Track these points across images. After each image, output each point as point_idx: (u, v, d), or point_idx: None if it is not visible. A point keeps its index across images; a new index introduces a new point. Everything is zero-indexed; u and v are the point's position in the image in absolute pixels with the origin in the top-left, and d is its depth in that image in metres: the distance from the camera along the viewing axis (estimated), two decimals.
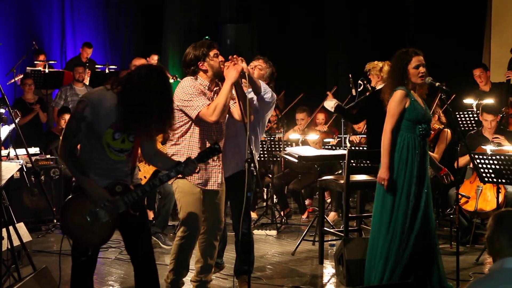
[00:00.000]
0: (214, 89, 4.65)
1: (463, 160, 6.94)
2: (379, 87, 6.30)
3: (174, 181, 4.61)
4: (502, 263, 2.73)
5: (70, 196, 3.79)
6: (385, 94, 4.96)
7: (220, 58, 4.63)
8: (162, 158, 4.04)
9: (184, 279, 4.76)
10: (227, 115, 4.71)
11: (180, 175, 3.93)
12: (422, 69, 4.84)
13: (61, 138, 3.79)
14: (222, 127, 4.69)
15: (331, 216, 8.04)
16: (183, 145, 4.58)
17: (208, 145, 4.47)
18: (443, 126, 7.29)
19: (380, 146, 4.88)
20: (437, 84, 4.94)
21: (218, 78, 4.63)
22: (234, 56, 4.58)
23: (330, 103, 6.42)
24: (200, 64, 4.58)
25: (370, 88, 6.94)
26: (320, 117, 9.06)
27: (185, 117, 4.54)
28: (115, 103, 3.65)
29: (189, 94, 4.49)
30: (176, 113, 4.45)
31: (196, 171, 3.92)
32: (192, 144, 4.57)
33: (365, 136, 7.88)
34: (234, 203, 5.09)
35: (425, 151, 4.89)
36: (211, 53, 4.58)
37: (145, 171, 6.25)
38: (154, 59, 10.80)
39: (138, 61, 6.55)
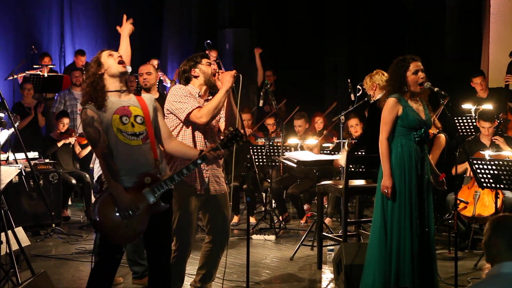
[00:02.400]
0: (205, 98, 4.66)
1: (461, 167, 6.95)
2: (377, 97, 6.28)
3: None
4: (499, 268, 2.74)
5: (102, 193, 3.84)
6: (381, 102, 4.98)
7: (214, 66, 4.69)
8: (186, 148, 4.20)
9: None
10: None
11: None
12: (421, 75, 4.84)
13: (92, 148, 4.00)
14: (213, 130, 4.68)
15: (326, 222, 8.03)
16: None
17: (201, 147, 4.50)
18: (437, 131, 7.30)
19: (369, 151, 4.87)
20: (435, 89, 4.95)
21: (209, 85, 4.66)
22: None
23: (343, 159, 6.28)
24: (192, 71, 4.64)
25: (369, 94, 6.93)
26: (318, 120, 9.07)
27: (177, 120, 4.57)
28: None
29: (179, 96, 4.53)
30: (168, 117, 4.54)
31: (221, 157, 4.04)
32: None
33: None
34: None
35: (423, 156, 4.89)
36: (204, 61, 4.67)
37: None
38: (153, 63, 10.81)
39: (145, 67, 6.48)
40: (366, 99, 6.93)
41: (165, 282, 4.05)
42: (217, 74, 4.62)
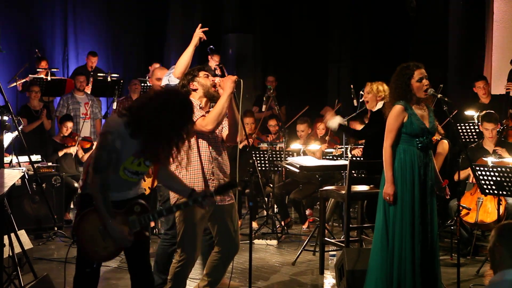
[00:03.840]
0: (207, 109, 4.64)
1: (463, 173, 6.96)
2: (378, 107, 6.30)
3: (176, 202, 4.53)
4: (503, 275, 2.74)
5: (88, 209, 3.73)
6: (386, 110, 4.99)
7: (212, 79, 4.68)
8: (176, 182, 4.05)
9: None
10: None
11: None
12: (425, 82, 4.85)
13: (91, 171, 3.70)
14: (217, 140, 4.66)
15: None
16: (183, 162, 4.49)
17: (207, 157, 4.53)
18: (440, 137, 7.30)
19: (375, 157, 4.87)
20: (439, 95, 4.96)
21: (209, 97, 4.65)
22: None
23: (333, 123, 6.35)
24: (191, 85, 4.64)
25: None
26: (321, 126, 9.08)
27: None
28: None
29: None
30: None
31: (214, 203, 4.00)
32: (191, 159, 4.53)
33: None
34: None
35: (427, 162, 4.89)
36: (201, 73, 4.66)
37: (149, 182, 6.22)
38: (155, 67, 10.82)
39: (160, 72, 6.37)
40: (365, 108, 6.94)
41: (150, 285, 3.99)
42: (217, 83, 4.63)
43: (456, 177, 6.93)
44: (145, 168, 3.80)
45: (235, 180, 4.06)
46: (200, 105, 4.62)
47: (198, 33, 5.41)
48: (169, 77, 5.31)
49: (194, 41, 5.38)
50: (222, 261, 4.67)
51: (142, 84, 10.08)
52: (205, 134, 4.53)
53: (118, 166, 3.69)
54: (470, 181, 6.91)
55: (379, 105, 6.25)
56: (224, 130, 4.70)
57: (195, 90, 4.64)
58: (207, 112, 4.61)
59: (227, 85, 4.48)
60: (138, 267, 3.93)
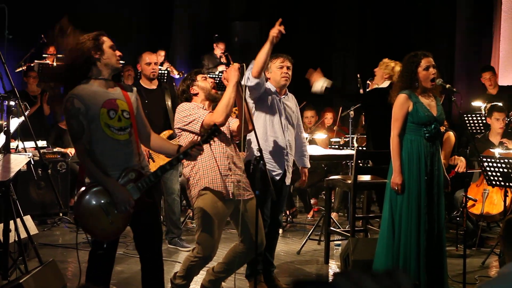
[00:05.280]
0: (210, 110, 4.60)
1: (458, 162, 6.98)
2: (382, 85, 6.23)
3: (197, 199, 4.52)
4: (510, 267, 2.73)
5: (83, 188, 3.74)
6: (392, 98, 4.97)
7: (210, 80, 4.67)
8: (158, 140, 4.07)
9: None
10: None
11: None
12: (432, 70, 4.83)
13: (72, 143, 3.79)
14: (226, 136, 4.62)
15: (333, 216, 8.02)
16: (199, 164, 4.49)
17: (221, 154, 4.50)
18: (445, 129, 7.28)
19: (378, 147, 4.86)
20: (447, 86, 4.93)
21: (211, 99, 4.64)
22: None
23: (318, 85, 6.24)
24: (191, 89, 4.63)
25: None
26: (329, 116, 9.05)
27: (191, 135, 4.47)
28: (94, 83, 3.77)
29: (188, 110, 4.49)
30: (181, 135, 4.52)
31: (202, 152, 3.95)
32: (206, 157, 4.48)
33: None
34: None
35: (434, 152, 4.87)
36: (199, 77, 4.65)
37: (158, 163, 6.22)
38: (161, 54, 10.80)
39: (148, 56, 6.51)
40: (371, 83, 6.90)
41: (159, 275, 3.99)
42: (222, 76, 4.61)
43: (460, 169, 6.92)
44: (126, 122, 3.78)
45: (216, 125, 4.04)
46: (204, 107, 4.61)
47: (276, 31, 4.81)
48: (249, 76, 4.94)
49: (270, 38, 4.81)
50: (245, 256, 4.63)
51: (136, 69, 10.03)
52: None
53: (95, 124, 3.68)
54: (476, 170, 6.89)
55: (385, 83, 6.19)
56: (233, 122, 4.68)
57: (196, 94, 4.64)
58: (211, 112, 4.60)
59: (231, 74, 4.46)
60: (147, 249, 3.93)
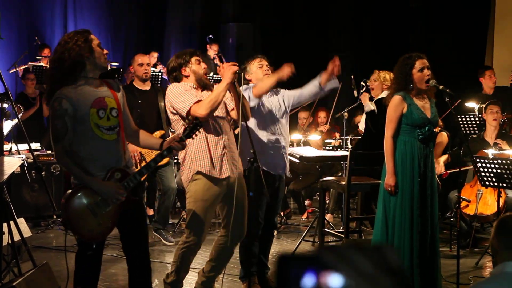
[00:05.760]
0: (201, 90, 4.57)
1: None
2: (382, 95, 6.29)
3: (188, 185, 4.52)
4: (503, 267, 2.74)
5: (70, 190, 3.73)
6: (387, 100, 4.97)
7: (203, 65, 4.60)
8: (142, 135, 4.05)
9: (185, 279, 4.74)
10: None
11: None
12: (426, 72, 4.83)
13: (53, 146, 3.75)
14: (225, 123, 4.60)
15: (327, 218, 8.04)
16: (191, 148, 4.48)
17: (212, 141, 4.47)
18: (439, 129, 7.29)
19: (370, 149, 4.87)
20: (441, 87, 4.94)
21: (201, 85, 4.57)
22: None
23: (370, 106, 6.34)
24: (183, 70, 4.56)
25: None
26: (322, 115, 9.06)
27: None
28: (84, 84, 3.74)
29: (178, 93, 4.43)
30: (174, 119, 4.49)
31: (184, 147, 3.98)
32: (198, 140, 4.44)
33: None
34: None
35: (427, 153, 4.88)
36: (193, 59, 4.57)
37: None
38: (153, 56, 10.80)
39: (141, 57, 6.53)
40: (369, 96, 6.93)
41: (147, 273, 3.97)
42: (218, 67, 4.58)
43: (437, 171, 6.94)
44: (114, 120, 3.77)
45: (197, 119, 4.04)
46: (194, 86, 4.55)
47: (287, 70, 5.06)
48: (249, 93, 4.97)
49: (280, 74, 5.00)
50: (227, 245, 4.62)
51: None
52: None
53: (83, 125, 3.66)
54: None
55: (384, 94, 6.23)
56: (234, 111, 4.62)
57: (186, 76, 4.56)
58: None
59: (226, 74, 4.37)
60: (132, 249, 3.91)
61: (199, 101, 4.41)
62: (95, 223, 3.69)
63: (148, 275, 3.97)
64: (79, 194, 3.69)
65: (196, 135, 4.09)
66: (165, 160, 6.04)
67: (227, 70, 4.39)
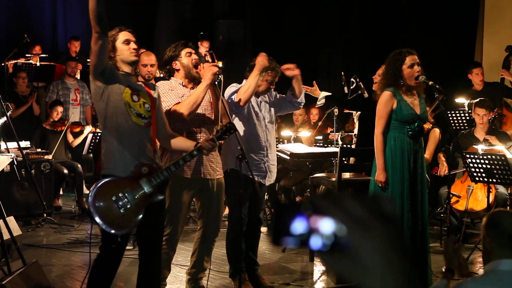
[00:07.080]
0: (190, 87, 4.61)
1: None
2: None
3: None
4: (497, 265, 2.73)
5: (100, 181, 3.74)
6: (377, 96, 4.98)
7: (194, 56, 4.61)
8: (177, 139, 4.15)
9: (167, 278, 4.76)
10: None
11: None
12: (416, 68, 4.84)
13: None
14: (199, 124, 4.61)
15: None
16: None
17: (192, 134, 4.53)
18: (431, 125, 7.30)
19: (368, 145, 4.87)
20: (430, 82, 4.94)
21: (190, 79, 4.60)
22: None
23: (321, 97, 6.37)
24: (174, 64, 4.60)
25: (362, 86, 6.93)
26: (314, 112, 9.07)
27: None
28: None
29: (162, 93, 4.46)
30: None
31: (216, 148, 4.11)
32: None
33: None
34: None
35: (417, 149, 4.89)
36: (183, 52, 4.59)
37: None
38: (141, 51, 10.74)
39: (146, 58, 6.33)
40: (359, 92, 6.93)
41: (157, 273, 4.02)
42: (199, 66, 4.57)
43: (441, 172, 6.94)
44: (146, 113, 3.87)
45: (231, 122, 4.14)
46: (183, 83, 4.59)
47: (261, 59, 4.92)
48: (235, 103, 4.93)
49: (257, 68, 4.88)
50: (203, 239, 4.72)
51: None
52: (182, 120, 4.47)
53: (119, 98, 3.78)
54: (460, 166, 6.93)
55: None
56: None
57: (177, 70, 4.60)
58: (191, 88, 4.59)
59: (206, 75, 4.39)
60: (148, 250, 3.97)
61: (178, 102, 4.44)
62: (120, 216, 3.72)
63: (158, 276, 4.05)
64: (106, 185, 3.73)
65: (228, 137, 4.19)
66: None
67: (207, 71, 4.39)
